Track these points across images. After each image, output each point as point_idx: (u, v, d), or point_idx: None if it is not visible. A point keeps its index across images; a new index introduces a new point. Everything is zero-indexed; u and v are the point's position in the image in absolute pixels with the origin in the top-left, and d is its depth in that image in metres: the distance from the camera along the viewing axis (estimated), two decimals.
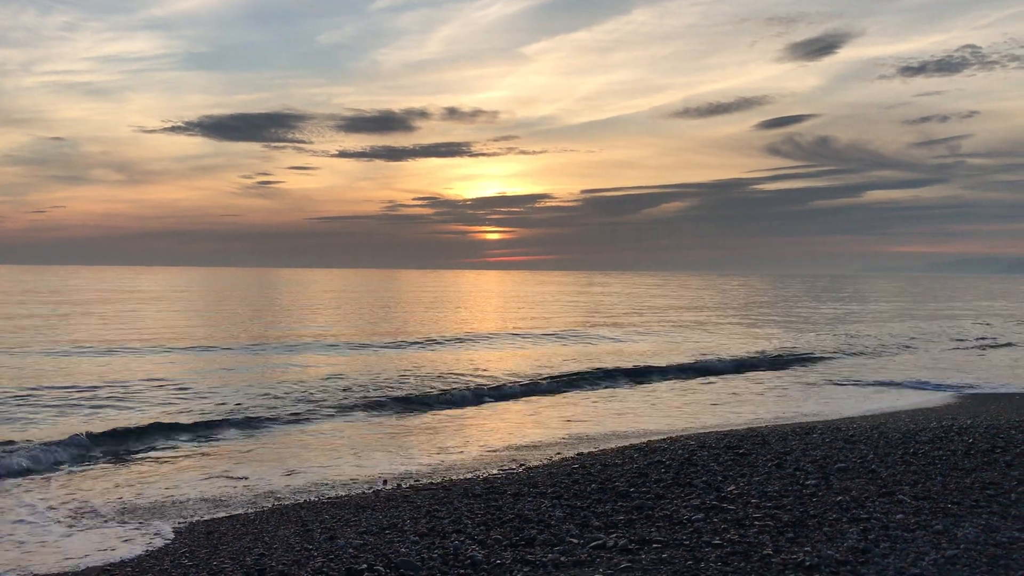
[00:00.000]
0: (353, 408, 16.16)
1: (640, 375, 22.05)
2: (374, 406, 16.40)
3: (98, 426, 13.55)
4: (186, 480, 10.59)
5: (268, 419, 14.68)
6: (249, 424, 14.25)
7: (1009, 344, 32.88)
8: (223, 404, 16.02)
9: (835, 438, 11.62)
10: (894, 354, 28.93)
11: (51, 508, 9.17)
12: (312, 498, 9.51)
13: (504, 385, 19.27)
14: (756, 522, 7.32)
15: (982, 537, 6.64)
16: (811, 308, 61.28)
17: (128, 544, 7.84)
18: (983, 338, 35.24)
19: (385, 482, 10.23)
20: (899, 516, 7.34)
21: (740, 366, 24.51)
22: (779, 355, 27.09)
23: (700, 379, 21.84)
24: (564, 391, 19.28)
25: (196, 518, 8.72)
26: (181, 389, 17.96)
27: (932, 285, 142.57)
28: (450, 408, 16.70)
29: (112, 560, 7.36)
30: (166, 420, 14.20)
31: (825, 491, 8.40)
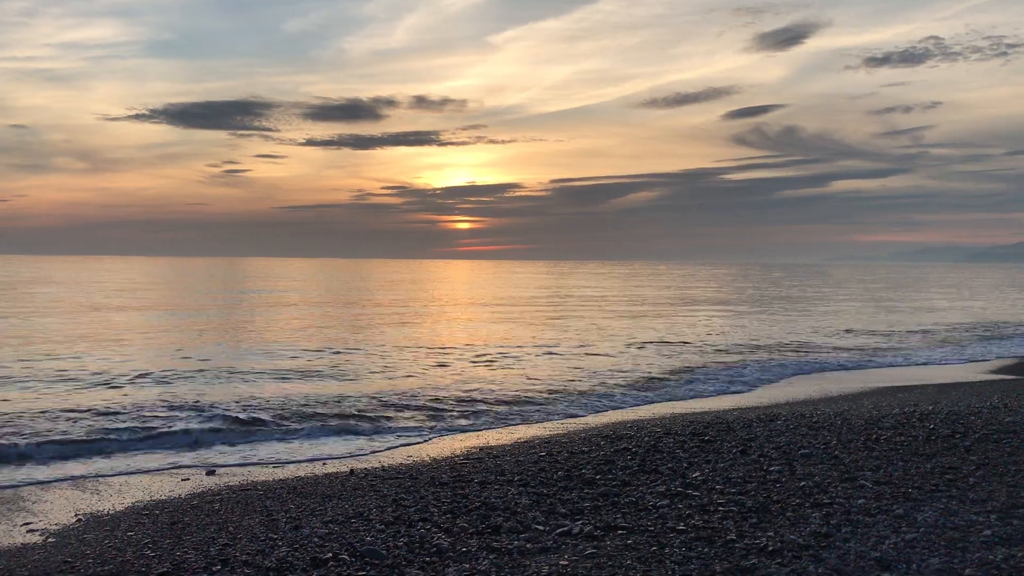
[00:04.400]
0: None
1: None
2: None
3: None
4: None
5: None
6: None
7: None
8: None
9: (799, 425, 11.74)
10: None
11: None
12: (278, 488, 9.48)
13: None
14: (720, 508, 7.40)
15: (941, 520, 6.74)
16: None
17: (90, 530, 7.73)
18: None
19: (352, 471, 10.22)
20: (861, 501, 7.43)
21: None
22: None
23: None
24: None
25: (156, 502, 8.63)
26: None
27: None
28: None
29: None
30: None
31: (789, 477, 8.50)
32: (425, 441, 12.52)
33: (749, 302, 54.27)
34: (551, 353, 23.53)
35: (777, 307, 48.52)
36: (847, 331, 32.21)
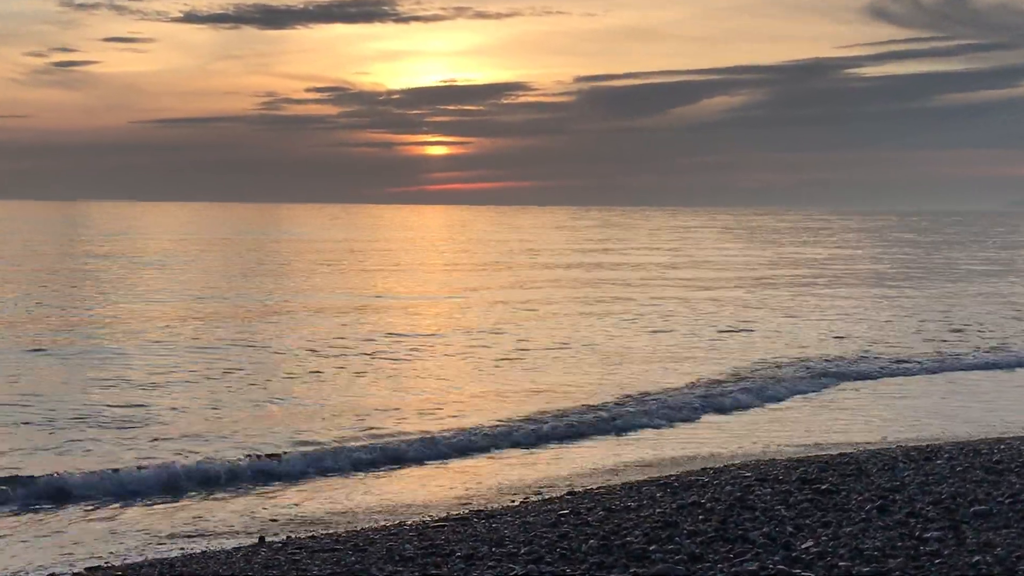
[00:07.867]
0: None
1: None
2: None
3: None
4: None
5: None
6: None
7: None
8: None
9: (971, 466, 11.62)
10: None
11: None
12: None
13: None
14: None
15: None
16: None
17: None
18: None
19: (262, 540, 9.93)
20: None
21: None
22: None
23: None
24: None
25: None
26: None
27: None
28: None
29: None
30: None
31: (955, 548, 8.30)
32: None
33: None
34: None
35: None
36: None
